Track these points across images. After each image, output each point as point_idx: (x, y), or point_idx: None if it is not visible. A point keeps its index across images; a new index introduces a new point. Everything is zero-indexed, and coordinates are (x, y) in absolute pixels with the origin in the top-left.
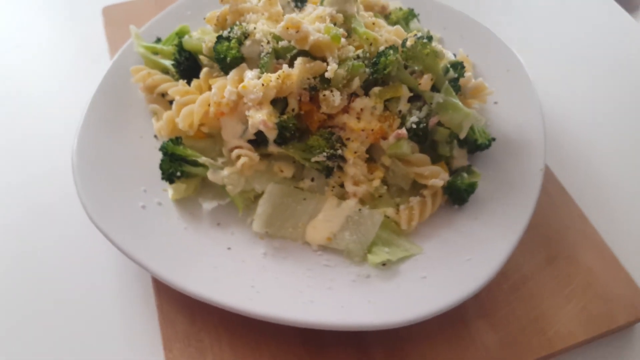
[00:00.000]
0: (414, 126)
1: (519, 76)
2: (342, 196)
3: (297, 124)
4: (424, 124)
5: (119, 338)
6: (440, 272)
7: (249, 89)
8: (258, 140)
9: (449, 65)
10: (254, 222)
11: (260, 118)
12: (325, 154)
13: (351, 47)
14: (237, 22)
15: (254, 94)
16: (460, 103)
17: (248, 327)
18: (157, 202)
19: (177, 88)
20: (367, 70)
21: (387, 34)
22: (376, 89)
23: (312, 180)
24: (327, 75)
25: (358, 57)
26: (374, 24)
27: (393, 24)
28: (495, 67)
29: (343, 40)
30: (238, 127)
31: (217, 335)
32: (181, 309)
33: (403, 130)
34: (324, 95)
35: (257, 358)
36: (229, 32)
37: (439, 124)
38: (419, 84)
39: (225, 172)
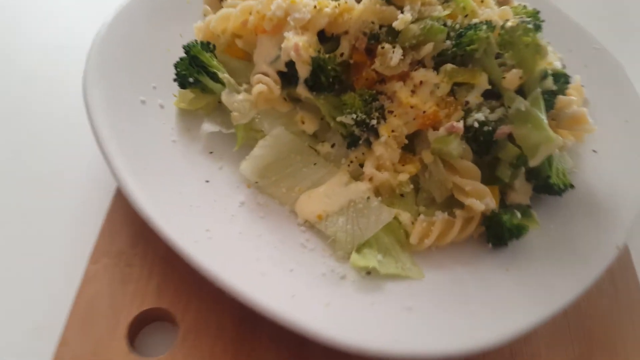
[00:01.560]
0: (476, 125)
1: (638, 132)
2: (358, 177)
3: (338, 72)
4: (490, 129)
5: (56, 232)
6: (430, 313)
7: (297, 6)
8: (289, 76)
9: (549, 71)
10: (245, 163)
11: (294, 42)
12: (355, 116)
13: (439, 7)
14: None
15: (301, 13)
16: (546, 121)
17: (185, 272)
18: (159, 104)
19: None
20: (449, 41)
21: (491, 12)
22: (449, 66)
23: (333, 146)
24: (395, 24)
25: (443, 22)
26: (482, 1)
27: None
28: (613, 111)
29: None
30: (273, 51)
31: (150, 268)
32: (129, 226)
33: (459, 124)
34: (383, 47)
35: (181, 309)
36: None
37: (510, 137)
38: (504, 77)
39: (240, 96)
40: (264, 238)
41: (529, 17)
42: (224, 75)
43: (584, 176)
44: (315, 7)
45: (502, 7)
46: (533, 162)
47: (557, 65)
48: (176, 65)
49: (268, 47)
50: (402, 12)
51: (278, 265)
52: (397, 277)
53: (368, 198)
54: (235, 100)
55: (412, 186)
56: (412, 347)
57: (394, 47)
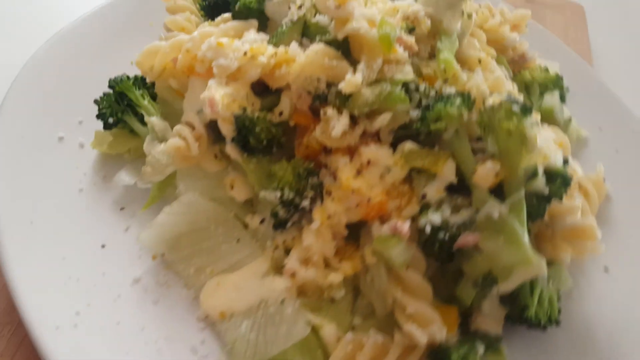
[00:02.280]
0: (428, 230)
1: None
2: (280, 269)
3: (274, 133)
4: (447, 237)
5: None
6: None
7: (225, 50)
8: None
9: (539, 168)
10: (145, 232)
11: (210, 95)
12: (281, 194)
13: (408, 69)
14: None
15: (227, 60)
16: (526, 239)
17: None
18: (79, 142)
19: (174, 18)
20: (413, 112)
21: (480, 80)
22: (408, 145)
23: (262, 222)
24: (340, 86)
25: (407, 87)
26: (480, 61)
27: (521, 84)
28: None
29: (400, 51)
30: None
31: (18, 345)
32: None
33: (405, 226)
34: (325, 113)
35: None
36: None
37: (476, 248)
38: (475, 170)
39: (160, 147)
40: (146, 333)
41: (549, 82)
42: (150, 119)
43: (586, 304)
44: (245, 53)
45: (496, 76)
46: (504, 287)
47: (556, 160)
48: (98, 102)
49: (199, 93)
50: (354, 69)
51: None
52: None
53: (283, 301)
54: (155, 151)
55: (344, 291)
56: None
57: (339, 113)
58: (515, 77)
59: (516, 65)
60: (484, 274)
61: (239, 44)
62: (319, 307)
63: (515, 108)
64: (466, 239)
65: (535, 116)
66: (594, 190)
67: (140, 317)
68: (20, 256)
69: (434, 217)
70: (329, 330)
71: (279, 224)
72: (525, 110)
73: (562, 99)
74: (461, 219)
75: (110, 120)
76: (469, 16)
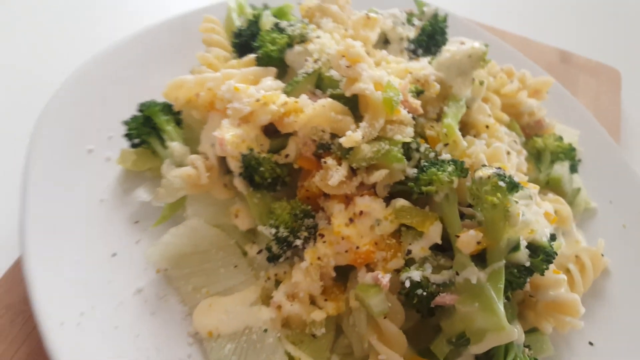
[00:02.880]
0: (407, 285)
1: None
2: (269, 298)
3: (278, 173)
4: (426, 293)
5: None
6: None
7: (239, 95)
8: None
9: (522, 242)
10: (152, 249)
11: (221, 135)
12: (276, 231)
13: (409, 131)
14: (308, 22)
15: (241, 104)
16: (501, 307)
17: None
18: (106, 156)
19: (204, 54)
20: (410, 170)
21: (481, 149)
22: (400, 202)
23: (259, 252)
24: (341, 141)
25: (408, 146)
26: (487, 127)
27: (533, 150)
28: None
29: (403, 112)
30: None
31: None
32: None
33: (385, 279)
34: (325, 162)
35: None
36: (290, 25)
37: (454, 308)
38: (458, 236)
39: (175, 172)
40: (140, 341)
41: (561, 152)
42: (171, 144)
43: None
44: (258, 100)
45: (495, 146)
46: (475, 349)
47: (542, 235)
48: (127, 122)
49: (216, 127)
50: (357, 127)
51: None
52: None
53: (265, 330)
54: (170, 174)
55: (324, 330)
56: None
57: (338, 164)
58: (528, 142)
59: (532, 130)
60: (459, 334)
61: (253, 90)
62: (300, 341)
63: (502, 183)
64: (444, 298)
65: (533, 188)
66: (590, 263)
67: (137, 325)
68: (39, 254)
69: (414, 274)
70: None
71: (272, 258)
72: (512, 186)
73: (573, 169)
74: (441, 279)
75: (136, 140)
76: (481, 83)
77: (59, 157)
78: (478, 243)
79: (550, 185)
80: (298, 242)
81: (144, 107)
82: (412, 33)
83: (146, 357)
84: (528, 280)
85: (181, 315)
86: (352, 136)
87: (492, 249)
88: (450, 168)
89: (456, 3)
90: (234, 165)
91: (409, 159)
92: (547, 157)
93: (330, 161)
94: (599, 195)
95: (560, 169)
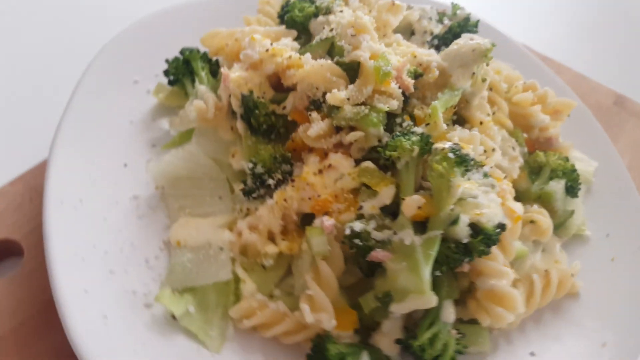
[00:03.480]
0: (347, 232)
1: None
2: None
3: (272, 121)
4: (363, 245)
5: None
6: None
7: (254, 44)
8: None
9: (463, 218)
10: (153, 163)
11: (227, 72)
12: (253, 166)
13: (394, 103)
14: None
15: (252, 51)
16: (426, 273)
17: None
18: (147, 89)
19: (249, 17)
20: (383, 138)
21: (460, 135)
22: (365, 164)
23: (242, 189)
24: (327, 97)
25: (394, 120)
26: (481, 123)
27: (534, 163)
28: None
29: (393, 86)
30: None
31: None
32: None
33: (329, 222)
34: (310, 114)
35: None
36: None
37: (381, 266)
38: (403, 199)
39: (192, 105)
40: (121, 235)
41: (561, 170)
42: (199, 86)
43: None
44: (267, 50)
45: (472, 133)
46: (396, 308)
47: (490, 220)
48: (169, 61)
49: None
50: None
51: (104, 262)
52: (193, 336)
53: (221, 249)
54: (188, 108)
55: (272, 262)
56: None
57: (320, 118)
58: (530, 155)
59: (541, 146)
60: (386, 291)
61: (267, 42)
62: (251, 269)
63: (451, 155)
64: (378, 254)
65: (505, 185)
66: (555, 280)
67: (123, 223)
68: (64, 150)
69: (357, 225)
70: (249, 286)
71: (246, 192)
72: (461, 160)
73: (572, 192)
74: (381, 237)
75: (172, 78)
76: (483, 80)
77: (108, 79)
78: (419, 208)
79: (541, 200)
80: (271, 182)
81: (186, 52)
82: (437, 29)
83: (120, 249)
84: (466, 260)
85: (162, 226)
86: (337, 94)
87: (434, 218)
88: (414, 138)
89: (514, 27)
90: (235, 104)
91: (390, 131)
92: (546, 172)
93: (315, 115)
94: (598, 227)
95: (556, 185)
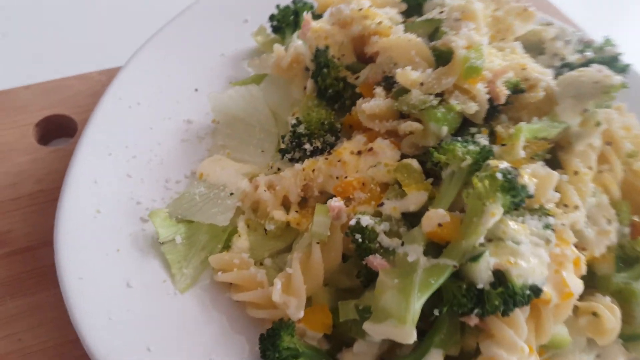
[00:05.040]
0: (352, 223)
1: None
2: None
3: (338, 87)
4: (363, 243)
5: None
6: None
7: (352, 3)
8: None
9: (487, 258)
10: (214, 94)
11: (309, 18)
12: (295, 126)
13: (472, 105)
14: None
15: (346, 6)
16: (415, 302)
17: None
18: (252, 30)
19: None
20: (445, 141)
21: (535, 171)
22: (408, 161)
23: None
24: (397, 73)
25: (469, 130)
26: (576, 173)
27: (631, 252)
28: None
29: (479, 87)
30: None
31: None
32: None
33: (336, 204)
34: (374, 89)
35: None
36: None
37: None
38: (428, 210)
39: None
40: (159, 148)
41: None
42: (296, 39)
43: None
44: (360, 10)
45: (548, 172)
46: (367, 326)
47: (522, 277)
48: (279, 7)
49: None
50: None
51: (128, 164)
52: (167, 266)
53: (231, 194)
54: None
55: (272, 227)
56: None
57: (385, 99)
58: (630, 240)
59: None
60: (367, 305)
61: (365, 3)
62: (254, 228)
63: (499, 176)
64: (375, 259)
65: (567, 248)
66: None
67: (164, 138)
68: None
69: (365, 220)
70: (241, 242)
71: (282, 151)
72: (510, 187)
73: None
74: (387, 243)
75: (275, 23)
76: (597, 124)
77: (219, 13)
78: (440, 226)
79: (621, 296)
80: (307, 147)
81: (298, 2)
82: (573, 57)
83: (149, 159)
84: (475, 311)
85: (199, 157)
86: (409, 73)
87: (453, 244)
88: (472, 147)
89: None
90: (307, 57)
91: (460, 135)
92: None
93: (378, 90)
94: None
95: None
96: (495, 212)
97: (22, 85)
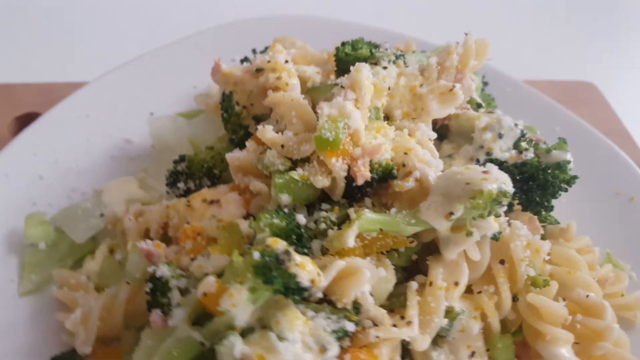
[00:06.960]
0: (150, 270)
1: None
2: None
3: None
4: (152, 298)
5: None
6: None
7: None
8: None
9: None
10: (154, 116)
11: (219, 61)
12: (177, 161)
13: (321, 181)
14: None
15: (262, 56)
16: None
17: None
18: None
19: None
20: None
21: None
22: (238, 222)
23: None
24: (258, 129)
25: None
26: (431, 284)
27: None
28: None
29: (335, 164)
30: None
31: None
32: None
33: (145, 247)
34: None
35: None
36: (385, 48)
37: None
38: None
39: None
40: (77, 154)
41: None
42: None
43: None
44: (269, 62)
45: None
46: None
47: None
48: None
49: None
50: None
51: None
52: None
53: (101, 215)
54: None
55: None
56: None
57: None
58: None
59: None
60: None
61: (281, 56)
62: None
63: (256, 256)
64: (155, 314)
65: None
66: None
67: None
68: None
69: (161, 270)
70: (91, 264)
71: (166, 184)
72: (262, 269)
73: None
74: (177, 299)
75: None
76: (469, 234)
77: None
78: (204, 294)
79: None
80: (181, 186)
81: None
82: (505, 154)
83: (67, 167)
84: None
85: (117, 176)
86: (268, 131)
87: (215, 320)
88: (276, 221)
89: None
90: (216, 97)
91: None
92: None
93: (249, 144)
94: None
95: None
96: (234, 294)
97: None
